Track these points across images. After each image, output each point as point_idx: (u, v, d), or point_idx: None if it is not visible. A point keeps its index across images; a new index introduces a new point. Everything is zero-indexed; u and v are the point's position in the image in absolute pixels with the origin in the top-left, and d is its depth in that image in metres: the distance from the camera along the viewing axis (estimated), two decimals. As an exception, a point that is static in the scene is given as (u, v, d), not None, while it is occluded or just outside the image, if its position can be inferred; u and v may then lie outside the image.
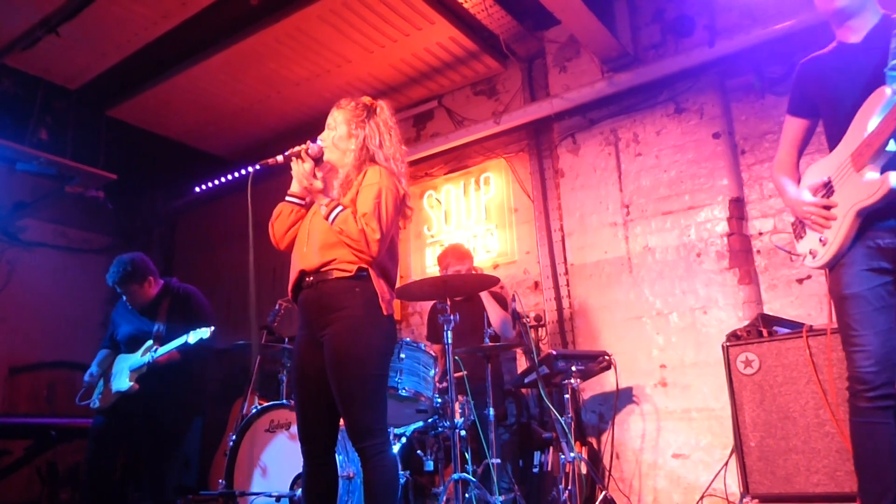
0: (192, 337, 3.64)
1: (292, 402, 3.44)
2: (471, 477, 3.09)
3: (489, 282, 3.60)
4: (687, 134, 4.14)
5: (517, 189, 4.85)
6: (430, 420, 3.48)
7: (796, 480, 2.78)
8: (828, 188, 2.27)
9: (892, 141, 2.05)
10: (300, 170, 2.55)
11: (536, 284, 4.63)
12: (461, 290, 3.68)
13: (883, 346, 2.11)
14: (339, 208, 2.41)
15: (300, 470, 3.07)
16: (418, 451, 3.51)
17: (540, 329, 4.48)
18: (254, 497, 3.38)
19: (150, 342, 3.78)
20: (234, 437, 3.57)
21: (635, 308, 4.15)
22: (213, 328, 3.71)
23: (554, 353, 3.56)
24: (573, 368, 3.57)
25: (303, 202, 2.61)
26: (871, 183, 2.09)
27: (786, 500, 2.82)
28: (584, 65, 4.56)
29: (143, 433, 3.82)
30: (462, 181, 5.12)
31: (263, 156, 2.68)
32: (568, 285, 4.46)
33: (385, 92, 5.19)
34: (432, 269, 5.06)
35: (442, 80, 5.13)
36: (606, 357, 3.72)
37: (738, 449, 3.02)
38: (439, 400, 3.39)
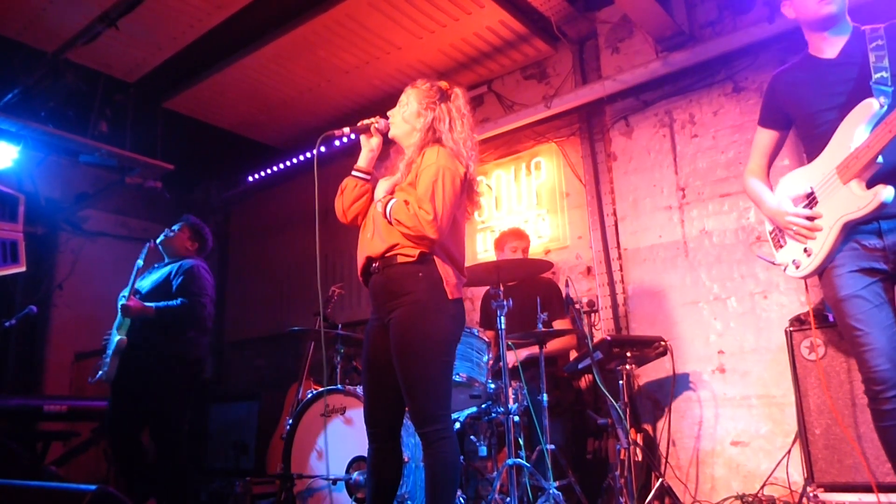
0: (173, 269, 3.63)
1: (346, 387, 3.49)
2: (525, 462, 3.08)
3: (542, 266, 3.57)
4: (746, 114, 4.01)
5: (569, 173, 4.79)
6: (483, 406, 3.48)
7: (864, 469, 2.68)
8: (811, 199, 2.26)
9: (880, 155, 2.05)
10: (368, 144, 2.57)
11: (589, 270, 4.57)
12: (514, 274, 3.67)
13: (890, 341, 2.12)
14: (393, 200, 2.40)
15: (355, 454, 3.12)
16: (471, 437, 3.52)
17: (593, 315, 4.43)
18: (311, 480, 3.44)
19: (124, 291, 3.73)
20: (290, 421, 3.63)
21: (691, 293, 4.06)
22: (194, 260, 3.74)
23: (608, 338, 3.52)
24: (628, 354, 3.52)
25: (368, 177, 2.59)
26: (861, 196, 2.09)
27: (853, 489, 2.73)
28: (638, 45, 4.46)
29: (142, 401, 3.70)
30: (513, 166, 5.08)
31: (313, 145, 2.67)
32: (621, 270, 4.39)
33: (434, 78, 5.16)
34: (483, 255, 5.05)
35: (491, 64, 5.08)
36: (662, 342, 3.66)
37: (803, 436, 2.94)
38: (493, 385, 3.38)
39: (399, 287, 2.39)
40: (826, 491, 2.82)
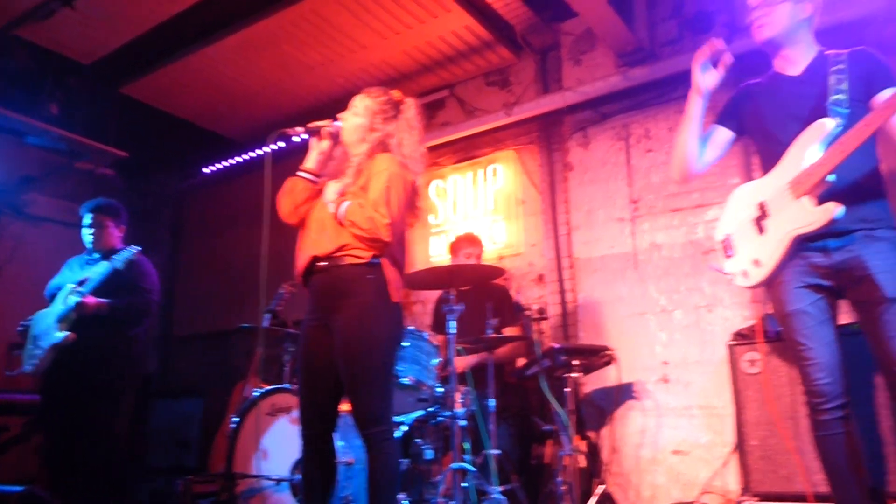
0: (119, 262, 3.51)
1: (294, 386, 3.46)
2: (470, 466, 3.10)
3: (495, 273, 3.60)
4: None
5: (525, 181, 4.83)
6: (430, 409, 3.48)
7: (797, 480, 2.77)
8: (762, 211, 2.32)
9: (832, 174, 2.11)
10: (318, 146, 2.58)
11: (541, 277, 4.62)
12: (467, 280, 3.68)
13: (832, 356, 2.20)
14: (347, 203, 2.42)
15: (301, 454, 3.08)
16: (418, 440, 3.52)
17: (543, 322, 4.48)
18: (254, 480, 3.39)
19: (71, 285, 3.59)
20: (235, 419, 3.57)
21: (639, 304, 4.14)
22: (138, 249, 3.63)
23: (556, 346, 3.56)
24: (575, 362, 3.57)
25: (317, 179, 2.59)
26: (812, 212, 2.15)
27: (786, 499, 2.83)
28: (599, 58, 4.54)
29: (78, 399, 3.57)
30: (470, 171, 5.11)
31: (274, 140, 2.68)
32: (572, 279, 4.45)
33: (397, 79, 5.17)
34: (437, 259, 5.06)
35: (455, 69, 5.10)
36: (609, 352, 3.72)
37: (740, 447, 3.02)
38: (440, 389, 3.39)
39: (347, 288, 2.41)
40: (761, 500, 2.91)
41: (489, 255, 4.72)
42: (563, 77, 4.71)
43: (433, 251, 5.15)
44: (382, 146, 2.57)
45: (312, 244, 2.51)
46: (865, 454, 2.39)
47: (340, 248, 2.43)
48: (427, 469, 3.51)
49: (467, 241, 4.25)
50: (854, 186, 2.19)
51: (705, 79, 2.43)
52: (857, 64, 2.27)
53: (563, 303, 4.45)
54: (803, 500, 2.69)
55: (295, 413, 3.37)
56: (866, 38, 3.45)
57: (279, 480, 3.26)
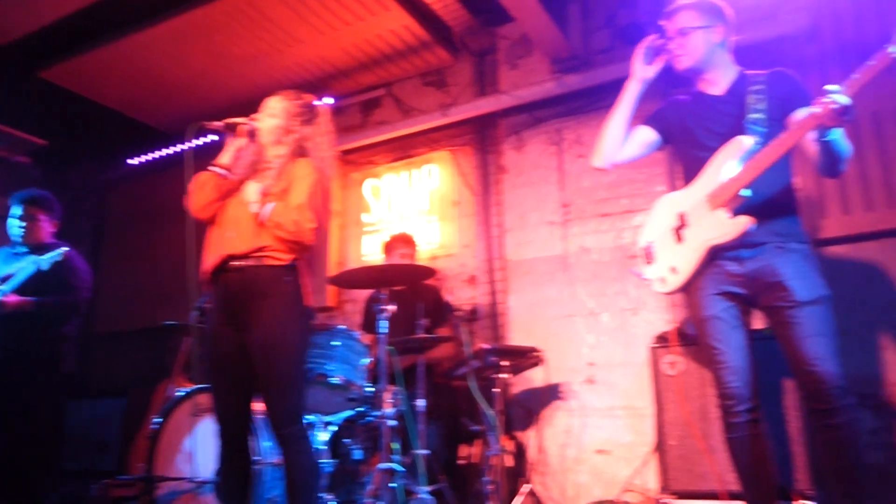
0: (45, 262, 3.39)
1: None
2: (398, 467, 3.10)
3: (428, 273, 3.61)
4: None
5: (460, 182, 4.86)
6: (360, 409, 3.47)
7: (711, 478, 2.89)
8: (682, 220, 2.42)
9: (746, 188, 2.22)
10: (234, 144, 2.57)
11: (473, 278, 4.66)
12: (400, 279, 3.68)
13: (743, 360, 2.32)
14: (272, 205, 2.44)
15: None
16: (346, 440, 3.50)
17: (473, 323, 4.52)
18: (175, 483, 3.30)
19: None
20: (157, 419, 3.47)
21: (568, 306, 4.23)
22: (67, 249, 3.52)
23: (486, 347, 3.60)
24: (504, 363, 3.61)
25: (228, 175, 2.57)
26: (726, 224, 2.26)
27: (701, 497, 2.94)
28: (535, 64, 4.61)
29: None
30: (406, 171, 5.11)
31: (204, 132, 2.65)
32: (504, 280, 4.51)
33: (334, 75, 5.13)
34: (369, 258, 5.04)
35: (392, 67, 5.09)
36: (537, 353, 3.78)
37: (659, 447, 3.12)
38: (370, 389, 3.38)
39: (265, 288, 2.43)
40: (678, 498, 3.01)
41: (422, 256, 4.73)
42: (499, 80, 4.76)
43: (366, 250, 5.12)
44: (301, 150, 2.60)
45: (227, 242, 2.49)
46: (774, 454, 2.52)
47: (260, 249, 2.45)
48: (355, 469, 3.49)
49: (401, 241, 4.26)
50: (769, 201, 2.29)
51: (644, 69, 2.55)
52: (775, 84, 2.38)
53: (494, 304, 4.50)
54: (716, 498, 2.80)
55: (221, 413, 3.30)
56: (786, 56, 3.62)
57: (202, 483, 3.18)
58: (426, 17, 4.61)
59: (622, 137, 2.61)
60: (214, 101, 5.48)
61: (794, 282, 2.23)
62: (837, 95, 1.98)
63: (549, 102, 4.50)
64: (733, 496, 2.71)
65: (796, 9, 3.73)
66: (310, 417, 3.44)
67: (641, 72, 2.56)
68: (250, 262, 2.45)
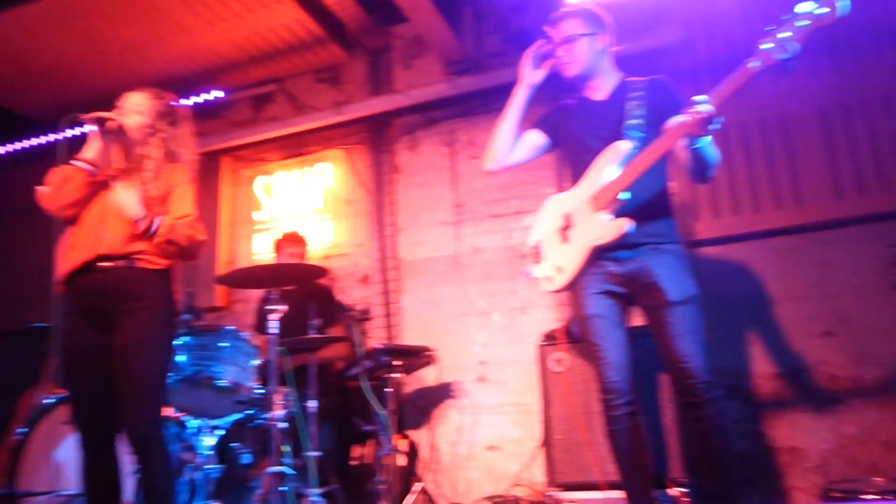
0: None
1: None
2: (288, 470, 3.04)
3: (319, 272, 3.56)
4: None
5: (353, 181, 4.82)
6: (248, 412, 3.38)
7: (593, 470, 3.01)
8: (567, 221, 2.53)
9: (625, 191, 2.34)
10: (100, 138, 2.48)
11: (366, 278, 4.64)
12: (291, 279, 3.62)
13: (622, 357, 2.44)
14: (160, 218, 2.42)
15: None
16: (234, 444, 3.40)
17: (366, 322, 4.50)
18: (41, 498, 3.08)
19: None
20: (22, 430, 3.22)
21: (461, 306, 4.29)
22: None
23: (379, 346, 3.60)
24: (396, 363, 3.62)
25: (93, 171, 2.46)
26: (607, 225, 2.37)
27: (583, 488, 3.06)
28: (429, 65, 4.64)
29: None
30: (298, 168, 5.01)
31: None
32: (397, 280, 4.52)
33: (223, 68, 4.96)
34: (260, 257, 4.91)
35: (285, 62, 4.97)
36: (430, 352, 3.82)
37: (546, 441, 3.23)
38: (260, 391, 3.30)
39: (137, 290, 2.40)
40: (563, 490, 3.12)
41: (315, 255, 4.66)
42: (393, 80, 4.76)
43: (257, 248, 4.99)
44: (170, 153, 2.58)
45: (98, 242, 2.42)
46: (650, 444, 2.66)
47: (137, 252, 2.42)
48: (244, 474, 3.40)
49: (292, 240, 4.19)
50: (645, 204, 2.42)
51: (532, 74, 2.63)
52: (653, 91, 2.52)
53: (388, 303, 4.50)
54: (598, 488, 2.93)
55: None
56: (663, 66, 3.83)
57: (72, 497, 2.99)
58: (319, 13, 4.54)
59: (512, 141, 2.69)
60: (93, 90, 5.13)
61: (668, 282, 2.36)
62: (703, 105, 2.11)
63: (443, 103, 4.55)
64: (613, 486, 2.85)
65: (672, 22, 3.96)
66: (195, 422, 3.32)
67: (529, 77, 2.64)
68: (121, 264, 2.41)
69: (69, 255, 2.43)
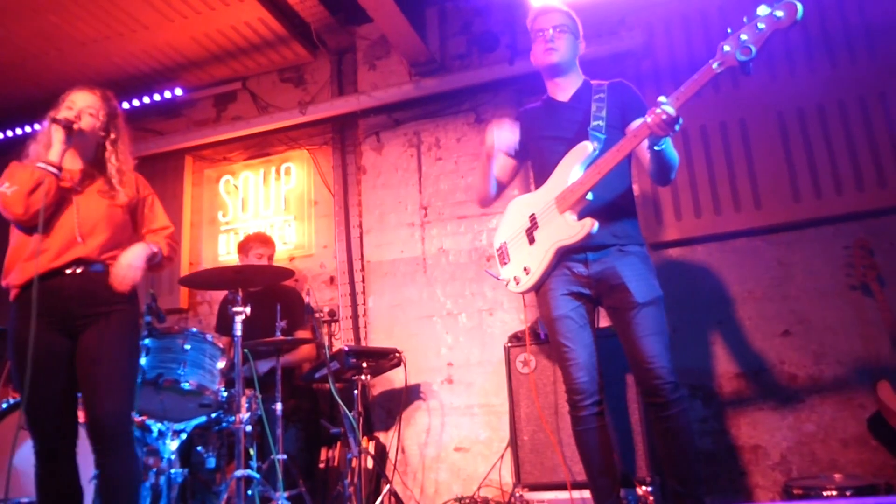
0: None
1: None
2: (255, 473, 3.01)
3: (285, 274, 3.53)
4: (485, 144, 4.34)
5: (318, 182, 4.79)
6: (214, 415, 3.34)
7: (560, 470, 3.05)
8: (533, 222, 2.56)
9: (590, 193, 2.38)
10: (64, 140, 2.41)
11: (332, 279, 4.61)
12: (256, 281, 3.58)
13: (590, 357, 2.47)
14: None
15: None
16: (199, 448, 3.35)
17: (333, 324, 4.48)
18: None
19: None
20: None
21: (427, 307, 4.29)
22: None
23: (346, 348, 3.58)
24: (364, 364, 3.61)
25: (59, 175, 2.40)
26: (573, 225, 2.40)
27: (551, 487, 3.09)
28: (394, 65, 4.63)
29: None
30: (262, 169, 4.95)
31: (34, 117, 2.51)
32: (364, 282, 4.50)
33: (184, 66, 4.87)
34: (225, 258, 4.85)
35: (248, 61, 4.91)
36: (397, 354, 3.81)
37: (513, 442, 3.25)
38: (225, 394, 3.26)
39: (109, 295, 2.40)
40: (530, 490, 3.15)
41: (280, 256, 4.61)
42: (358, 80, 4.74)
43: (222, 250, 4.92)
44: (124, 159, 2.59)
45: (67, 247, 2.40)
46: (617, 444, 2.70)
47: (112, 257, 2.45)
48: (209, 478, 3.37)
49: (257, 241, 4.15)
50: (609, 205, 2.46)
51: (495, 142, 2.61)
52: (615, 94, 2.57)
53: (354, 305, 4.48)
54: (565, 488, 2.97)
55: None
56: (626, 70, 3.90)
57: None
58: (282, 11, 4.49)
59: (494, 187, 2.78)
60: (45, 85, 5.00)
61: (634, 284, 2.40)
62: (666, 106, 2.15)
63: (408, 104, 4.54)
64: (578, 486, 2.89)
65: (634, 26, 4.02)
66: (158, 426, 3.27)
67: (492, 147, 2.62)
68: (94, 269, 2.42)
69: (35, 259, 2.33)
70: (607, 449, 2.49)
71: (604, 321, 2.74)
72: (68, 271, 2.38)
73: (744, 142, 3.75)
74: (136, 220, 2.64)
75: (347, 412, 3.42)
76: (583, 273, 2.47)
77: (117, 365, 2.37)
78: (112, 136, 2.56)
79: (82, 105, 2.51)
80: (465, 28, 4.53)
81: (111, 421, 2.30)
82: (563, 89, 2.65)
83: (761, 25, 2.02)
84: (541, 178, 2.60)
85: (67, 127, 2.40)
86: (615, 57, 3.95)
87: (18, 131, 5.31)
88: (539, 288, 2.56)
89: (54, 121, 2.40)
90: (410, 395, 4.18)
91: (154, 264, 2.57)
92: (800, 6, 1.98)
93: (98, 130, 2.54)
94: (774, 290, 3.62)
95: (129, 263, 2.44)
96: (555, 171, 2.50)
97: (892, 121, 3.49)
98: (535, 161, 2.70)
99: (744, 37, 2.05)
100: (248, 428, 3.15)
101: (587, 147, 2.42)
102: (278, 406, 3.29)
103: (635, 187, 2.61)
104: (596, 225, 2.35)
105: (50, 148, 2.41)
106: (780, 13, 2.00)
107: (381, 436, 4.18)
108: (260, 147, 4.97)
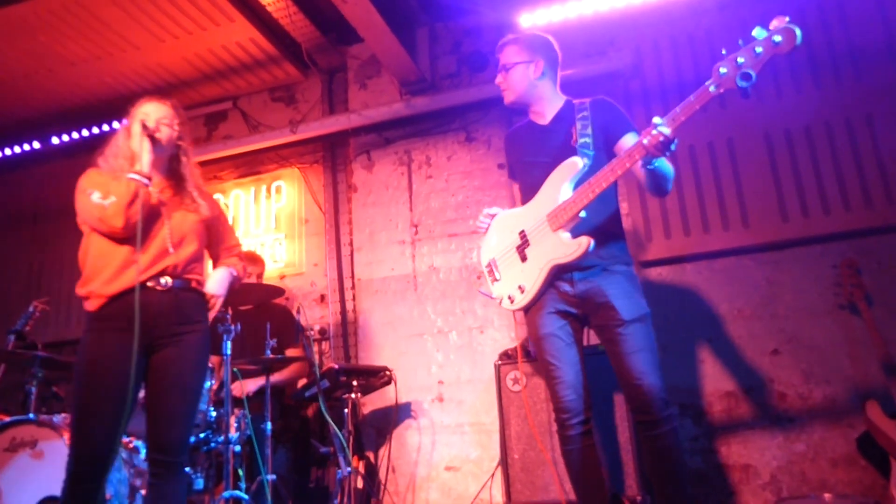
0: None
1: (40, 416, 3.09)
2: (243, 494, 2.98)
3: (275, 292, 3.52)
4: (475, 162, 4.38)
5: (309, 200, 4.80)
6: (201, 435, 3.30)
7: (552, 489, 3.04)
8: (524, 239, 2.55)
9: (584, 210, 2.38)
10: (151, 151, 2.40)
11: (323, 297, 4.61)
12: (246, 299, 3.57)
13: (577, 376, 2.47)
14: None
15: (45, 493, 2.79)
16: (186, 469, 3.32)
17: (324, 342, 4.46)
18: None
19: None
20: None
21: (418, 325, 4.29)
22: None
23: (336, 367, 3.56)
24: (354, 383, 3.59)
25: (149, 185, 2.39)
26: (569, 244, 2.38)
27: (541, 507, 3.08)
28: (384, 85, 4.66)
29: None
30: (253, 187, 4.96)
31: (21, 136, 2.44)
32: (354, 300, 4.49)
33: (176, 85, 4.89)
34: (215, 276, 4.83)
35: (239, 80, 4.94)
36: (388, 372, 3.80)
37: (504, 461, 3.24)
38: (214, 413, 3.23)
39: (193, 314, 2.41)
40: (521, 509, 3.13)
41: (271, 275, 4.61)
42: (349, 99, 4.77)
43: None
44: (198, 168, 2.63)
45: (167, 257, 2.38)
46: (606, 462, 2.69)
47: (191, 272, 2.44)
48: (198, 500, 3.32)
49: (249, 259, 4.13)
50: (598, 225, 2.46)
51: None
52: (597, 112, 2.57)
53: (345, 323, 4.47)
54: (556, 507, 2.96)
55: (40, 446, 3.04)
56: (615, 90, 3.94)
57: (17, 527, 2.88)
58: (273, 32, 4.52)
59: None
60: (35, 105, 5.02)
61: (619, 301, 2.40)
62: (662, 128, 2.13)
63: (399, 123, 4.56)
64: (571, 504, 2.87)
65: (623, 47, 4.07)
66: (140, 443, 3.23)
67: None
68: (182, 284, 2.40)
69: (123, 272, 2.30)
70: (595, 468, 2.48)
71: (593, 339, 2.74)
72: (160, 286, 2.32)
73: (732, 161, 3.79)
74: (213, 236, 2.61)
75: (338, 431, 3.40)
76: (568, 292, 2.47)
77: (189, 395, 2.35)
78: (185, 146, 2.57)
79: (158, 116, 2.48)
80: (455, 48, 4.57)
81: (173, 450, 2.29)
82: (541, 114, 2.67)
83: (759, 49, 1.96)
84: (527, 194, 2.61)
85: (152, 137, 2.39)
86: (604, 76, 4.00)
87: (8, 151, 5.30)
88: (528, 306, 2.56)
89: (144, 129, 2.36)
90: (401, 413, 4.16)
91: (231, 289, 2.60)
92: (798, 31, 1.92)
93: (175, 141, 2.53)
94: (763, 309, 3.64)
95: (217, 293, 2.50)
96: (542, 187, 2.49)
97: (878, 142, 3.54)
98: (521, 178, 2.72)
99: (741, 59, 1.99)
100: (237, 448, 3.12)
101: (577, 163, 2.40)
102: (268, 426, 3.27)
103: (624, 205, 2.62)
104: (592, 243, 2.33)
105: (133, 159, 2.39)
106: (778, 38, 1.93)
107: (372, 455, 4.15)
108: (251, 165, 4.98)
